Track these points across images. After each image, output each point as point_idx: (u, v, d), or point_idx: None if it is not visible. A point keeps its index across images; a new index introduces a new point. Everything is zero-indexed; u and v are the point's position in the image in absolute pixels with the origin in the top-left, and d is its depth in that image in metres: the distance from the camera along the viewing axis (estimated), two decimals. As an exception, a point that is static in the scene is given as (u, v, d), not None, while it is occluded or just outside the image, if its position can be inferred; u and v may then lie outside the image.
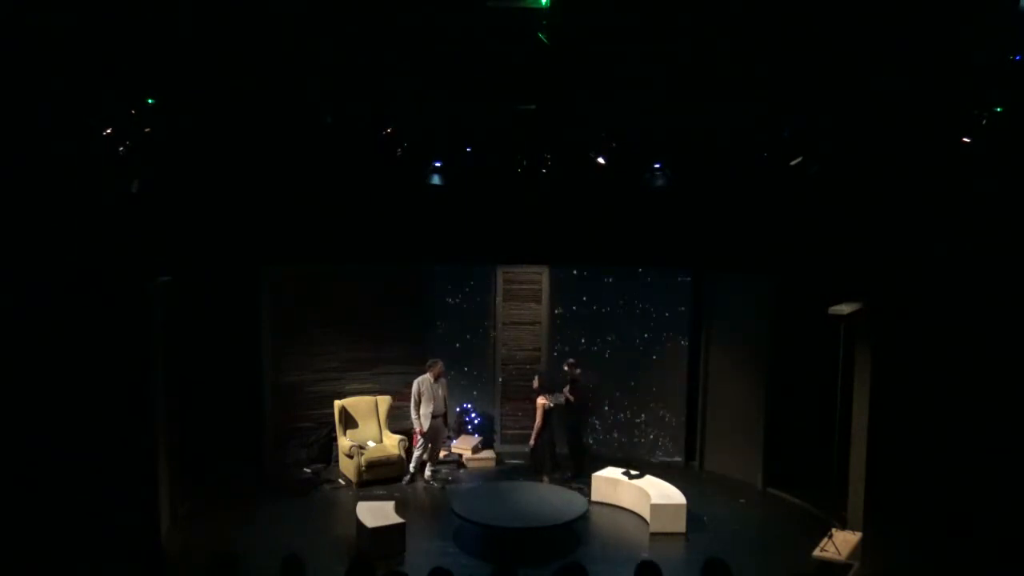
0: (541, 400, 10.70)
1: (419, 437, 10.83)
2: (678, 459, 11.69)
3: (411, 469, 10.89)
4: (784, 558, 8.61)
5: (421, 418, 10.65)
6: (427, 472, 10.93)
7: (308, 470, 11.03)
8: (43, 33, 5.95)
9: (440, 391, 10.86)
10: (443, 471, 11.20)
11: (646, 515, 9.63)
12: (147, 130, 7.79)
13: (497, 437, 12.12)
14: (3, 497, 7.36)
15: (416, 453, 10.90)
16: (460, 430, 11.97)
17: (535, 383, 11.08)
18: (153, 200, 8.48)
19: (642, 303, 11.80)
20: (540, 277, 12.12)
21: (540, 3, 5.43)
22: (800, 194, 9.32)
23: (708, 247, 10.91)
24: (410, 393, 10.73)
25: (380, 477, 10.77)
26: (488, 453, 11.78)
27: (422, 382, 10.74)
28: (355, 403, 11.32)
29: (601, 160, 9.35)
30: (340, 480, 10.93)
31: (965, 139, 7.15)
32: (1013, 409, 8.18)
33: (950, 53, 6.09)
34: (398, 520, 8.85)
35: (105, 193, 7.91)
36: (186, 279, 9.45)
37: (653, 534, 9.42)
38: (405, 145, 9.39)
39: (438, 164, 10.19)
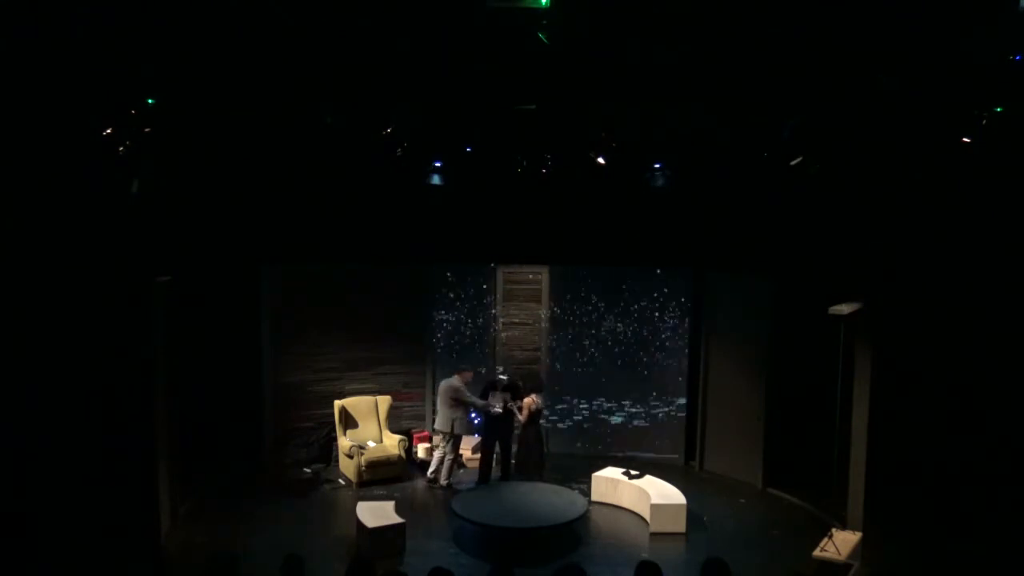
0: (528, 400, 10.64)
1: (444, 439, 10.72)
2: (678, 459, 11.70)
3: (445, 476, 10.70)
4: (784, 558, 8.60)
5: (456, 422, 10.57)
6: (429, 472, 10.92)
7: (308, 470, 11.02)
8: (43, 32, 5.95)
9: None
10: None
11: (646, 515, 9.64)
12: (147, 130, 7.78)
13: (497, 437, 12.10)
14: (3, 497, 7.36)
15: (449, 458, 10.72)
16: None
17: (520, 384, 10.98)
18: (153, 200, 8.48)
19: (642, 303, 11.80)
20: (540, 277, 12.13)
21: (540, 3, 5.42)
22: (800, 194, 9.31)
23: (708, 247, 10.90)
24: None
25: (380, 477, 10.76)
26: (488, 453, 11.76)
27: (460, 389, 10.66)
28: (355, 403, 11.32)
29: (601, 160, 9.35)
30: (340, 480, 10.93)
31: (965, 139, 7.14)
32: (1013, 409, 8.19)
33: (950, 53, 6.09)
34: (398, 520, 8.85)
35: (105, 193, 7.91)
36: (186, 279, 9.44)
37: (653, 534, 9.42)
38: (405, 145, 9.39)
39: (438, 164, 10.19)
